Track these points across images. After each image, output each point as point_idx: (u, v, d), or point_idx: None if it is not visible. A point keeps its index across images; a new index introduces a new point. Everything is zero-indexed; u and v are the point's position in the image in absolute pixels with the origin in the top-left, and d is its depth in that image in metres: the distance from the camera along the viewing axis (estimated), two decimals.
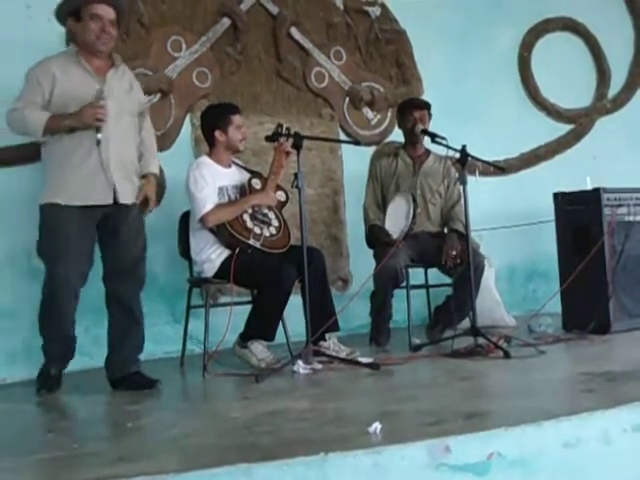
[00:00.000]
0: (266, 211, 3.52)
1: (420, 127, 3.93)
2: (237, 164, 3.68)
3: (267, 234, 3.44)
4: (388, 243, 3.74)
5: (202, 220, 3.41)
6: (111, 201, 2.98)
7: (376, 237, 3.92)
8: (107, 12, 2.97)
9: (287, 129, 3.46)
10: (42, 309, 3.00)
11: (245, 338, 3.35)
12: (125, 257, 3.05)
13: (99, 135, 2.90)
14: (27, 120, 2.90)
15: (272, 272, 3.28)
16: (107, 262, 3.06)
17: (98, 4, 2.95)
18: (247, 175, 3.62)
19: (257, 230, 3.42)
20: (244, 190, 3.55)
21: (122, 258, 3.05)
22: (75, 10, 2.99)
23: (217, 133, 3.52)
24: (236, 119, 3.54)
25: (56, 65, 2.97)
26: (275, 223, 3.51)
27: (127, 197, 3.03)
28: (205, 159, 3.54)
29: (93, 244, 3.04)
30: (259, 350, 3.32)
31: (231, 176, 3.58)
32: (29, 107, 2.91)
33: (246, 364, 3.31)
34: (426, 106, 4.03)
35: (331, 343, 3.40)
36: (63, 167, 2.93)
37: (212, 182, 3.46)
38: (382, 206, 4.02)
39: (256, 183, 3.56)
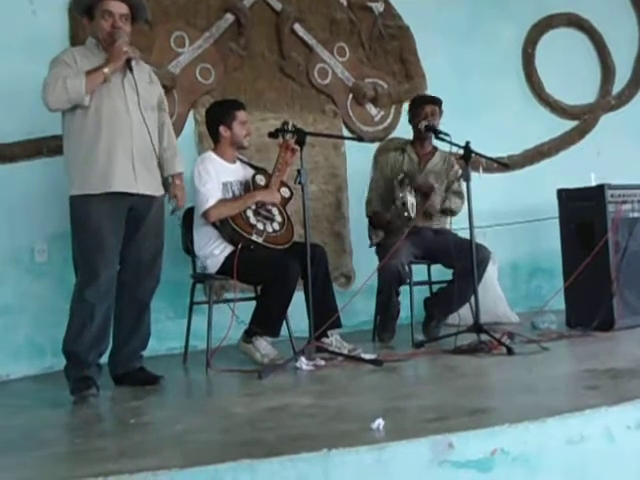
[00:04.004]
0: (270, 207, 3.52)
1: (424, 123, 3.92)
2: (241, 160, 3.68)
3: (270, 230, 3.44)
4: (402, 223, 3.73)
5: (205, 215, 3.41)
6: (134, 190, 2.93)
7: (382, 221, 3.90)
8: (119, 8, 2.94)
9: (293, 126, 3.46)
10: (79, 315, 2.87)
11: (250, 334, 3.35)
12: (145, 251, 3.03)
13: (134, 62, 2.92)
14: (67, 85, 2.79)
15: (276, 268, 3.28)
16: (126, 255, 2.99)
17: (109, 0, 2.92)
18: (251, 171, 3.62)
19: (260, 226, 3.42)
20: (248, 186, 3.54)
21: (142, 252, 3.02)
22: (88, 8, 2.96)
23: (222, 129, 3.52)
24: (241, 115, 3.54)
25: (79, 53, 2.95)
26: (278, 219, 3.51)
27: (147, 188, 2.99)
28: (210, 154, 3.54)
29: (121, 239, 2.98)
30: (263, 346, 3.33)
31: (235, 172, 3.58)
32: (63, 78, 2.83)
33: (250, 360, 3.32)
34: (437, 102, 4.02)
35: (333, 340, 3.40)
36: (89, 154, 2.87)
37: (216, 177, 3.46)
38: (386, 200, 4.01)
39: (260, 179, 3.56)
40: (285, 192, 3.63)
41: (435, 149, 4.10)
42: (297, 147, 3.42)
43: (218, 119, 3.54)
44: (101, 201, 2.88)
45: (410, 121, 4.12)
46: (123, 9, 2.95)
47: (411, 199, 3.77)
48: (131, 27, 3.01)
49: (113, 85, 2.91)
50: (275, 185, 3.55)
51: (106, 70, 2.86)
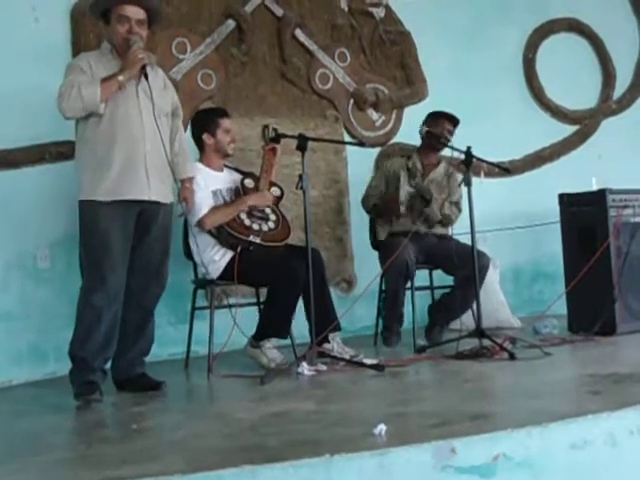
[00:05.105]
0: (262, 207, 3.53)
1: (425, 128, 3.94)
2: (228, 167, 3.69)
3: (266, 229, 3.46)
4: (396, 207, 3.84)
5: (199, 223, 3.42)
6: (147, 197, 2.93)
7: (385, 206, 3.96)
8: (135, 13, 2.92)
9: (274, 130, 3.49)
10: (86, 320, 2.87)
11: (258, 337, 3.36)
12: (152, 257, 3.03)
13: (149, 68, 2.90)
14: (82, 93, 2.79)
15: (281, 268, 3.29)
16: (134, 260, 2.99)
17: (126, 5, 2.91)
18: (239, 176, 3.63)
19: (255, 227, 3.44)
20: (238, 191, 3.57)
21: (150, 258, 3.02)
22: (104, 12, 2.96)
23: (205, 136, 3.53)
24: (224, 122, 3.55)
25: (94, 58, 2.95)
26: (272, 217, 3.53)
27: (158, 195, 2.99)
28: (196, 164, 3.52)
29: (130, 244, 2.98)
30: (270, 350, 3.33)
31: (223, 179, 3.60)
32: (77, 86, 2.82)
33: (257, 364, 3.32)
34: (456, 122, 4.04)
35: (335, 345, 3.40)
36: (102, 161, 2.87)
37: (205, 186, 3.46)
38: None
39: (249, 183, 3.59)
40: (275, 191, 3.65)
41: (439, 161, 4.11)
42: (277, 145, 3.49)
43: (201, 127, 3.55)
44: (111, 207, 2.88)
45: (421, 130, 4.10)
46: (140, 14, 2.94)
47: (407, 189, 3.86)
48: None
49: (127, 92, 2.90)
50: (264, 187, 3.57)
51: (121, 78, 2.85)
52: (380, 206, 4.00)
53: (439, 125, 3.99)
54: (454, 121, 4.04)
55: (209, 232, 3.44)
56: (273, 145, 3.56)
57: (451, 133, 4.00)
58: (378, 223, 4.07)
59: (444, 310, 3.91)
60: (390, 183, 4.01)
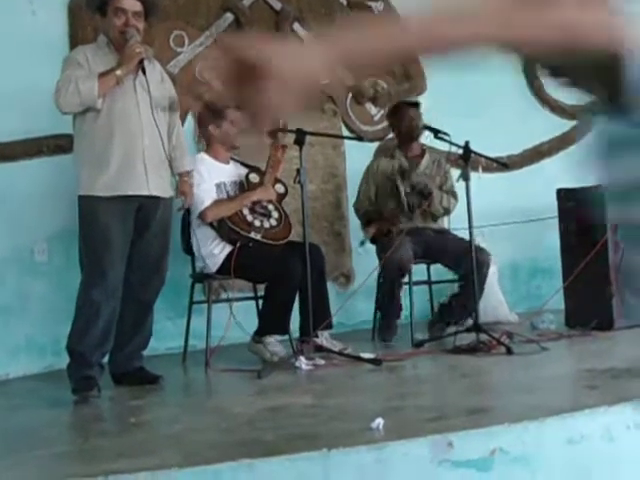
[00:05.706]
0: (265, 203, 3.53)
1: (422, 123, 3.93)
2: (235, 160, 3.69)
3: (267, 226, 3.46)
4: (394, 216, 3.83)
5: (201, 216, 3.42)
6: (146, 192, 2.93)
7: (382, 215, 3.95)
8: (132, 5, 2.90)
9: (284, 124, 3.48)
10: (84, 314, 2.87)
11: (261, 333, 3.36)
12: (152, 251, 3.02)
13: (146, 62, 2.89)
14: (80, 89, 2.78)
15: (279, 265, 3.29)
16: (134, 255, 2.99)
17: None
18: (245, 170, 3.62)
19: (257, 223, 3.43)
20: (242, 185, 3.56)
21: (149, 252, 3.02)
22: (100, 5, 2.94)
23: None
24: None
25: (91, 52, 2.94)
26: (275, 215, 3.53)
27: (157, 189, 2.98)
28: (202, 155, 3.54)
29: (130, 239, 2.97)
30: (272, 345, 3.33)
31: (229, 172, 3.59)
32: (75, 81, 2.81)
33: (260, 359, 3.32)
34: (418, 105, 4.03)
35: (323, 340, 3.40)
36: (101, 156, 2.86)
37: (209, 178, 3.46)
38: (375, 205, 4.03)
39: (254, 177, 3.58)
40: (279, 188, 3.64)
41: (424, 151, 4.10)
42: (286, 144, 3.47)
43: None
44: (110, 202, 2.87)
45: (393, 127, 4.11)
46: (137, 7, 2.93)
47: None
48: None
49: (125, 87, 2.89)
50: (269, 182, 3.57)
51: (119, 73, 2.84)
52: (375, 215, 4.00)
53: (407, 116, 3.97)
54: (416, 105, 4.02)
55: (210, 224, 3.44)
56: (283, 143, 3.55)
57: (419, 117, 3.98)
58: (364, 227, 4.06)
59: (452, 312, 3.88)
60: (380, 187, 4.00)
